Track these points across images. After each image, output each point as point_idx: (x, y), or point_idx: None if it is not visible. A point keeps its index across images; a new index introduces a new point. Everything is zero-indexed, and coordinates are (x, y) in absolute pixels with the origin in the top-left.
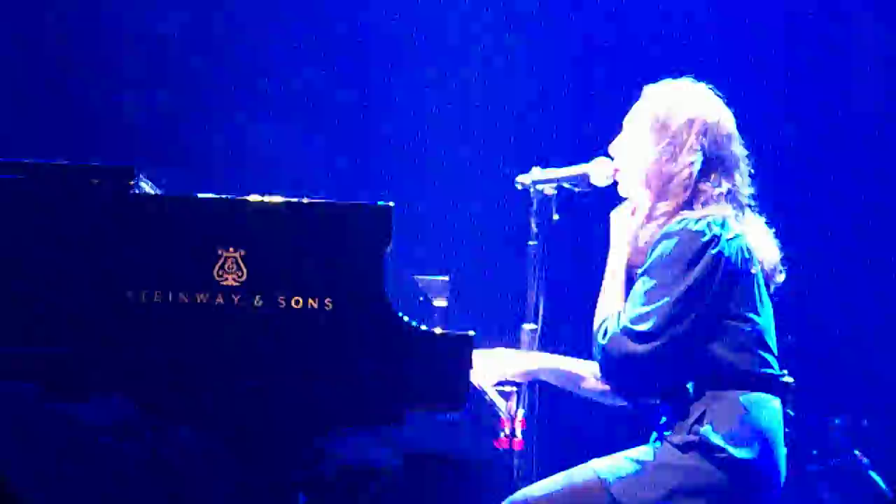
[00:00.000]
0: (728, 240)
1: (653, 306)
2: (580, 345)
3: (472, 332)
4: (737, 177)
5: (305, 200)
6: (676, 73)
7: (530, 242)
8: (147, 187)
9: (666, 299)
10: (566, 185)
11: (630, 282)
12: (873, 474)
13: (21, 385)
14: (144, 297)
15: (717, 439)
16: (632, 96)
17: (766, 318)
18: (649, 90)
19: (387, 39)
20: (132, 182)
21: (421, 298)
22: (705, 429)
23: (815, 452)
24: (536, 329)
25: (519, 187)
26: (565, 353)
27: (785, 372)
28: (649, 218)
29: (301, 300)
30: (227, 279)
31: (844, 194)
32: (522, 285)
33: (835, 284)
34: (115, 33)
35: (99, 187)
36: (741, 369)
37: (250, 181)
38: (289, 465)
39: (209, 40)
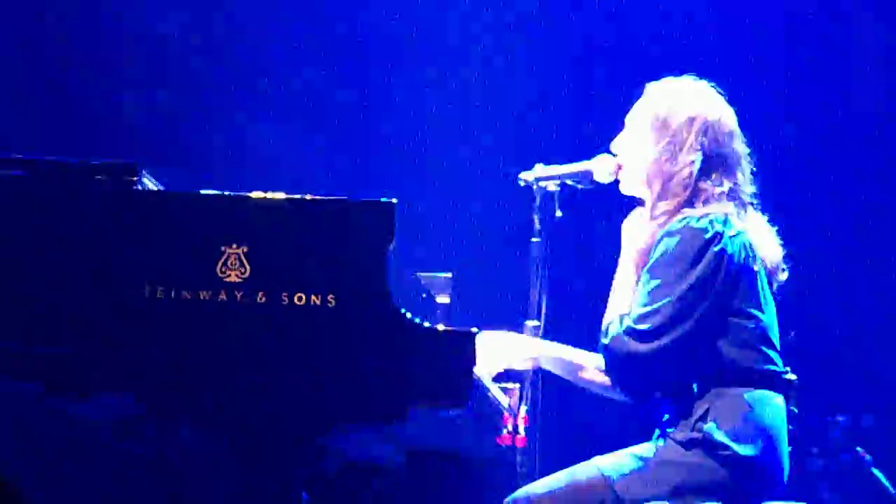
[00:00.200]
0: (731, 237)
1: (656, 305)
2: (583, 341)
3: (474, 329)
4: (738, 175)
5: (308, 197)
6: (677, 73)
7: (533, 239)
8: (150, 184)
9: (669, 298)
10: (569, 181)
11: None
12: (875, 472)
13: (22, 384)
14: (147, 294)
15: (720, 436)
16: (632, 96)
17: (769, 316)
18: (651, 88)
19: (387, 39)
20: (135, 179)
21: (424, 295)
22: (709, 426)
23: (816, 450)
24: (539, 326)
25: (522, 184)
26: None
27: (788, 369)
28: (650, 217)
29: (304, 297)
30: (230, 276)
31: (844, 194)
32: (525, 282)
33: (835, 284)
34: (115, 33)
35: (102, 184)
36: (745, 366)
37: (251, 181)
38: (292, 463)
39: (209, 40)
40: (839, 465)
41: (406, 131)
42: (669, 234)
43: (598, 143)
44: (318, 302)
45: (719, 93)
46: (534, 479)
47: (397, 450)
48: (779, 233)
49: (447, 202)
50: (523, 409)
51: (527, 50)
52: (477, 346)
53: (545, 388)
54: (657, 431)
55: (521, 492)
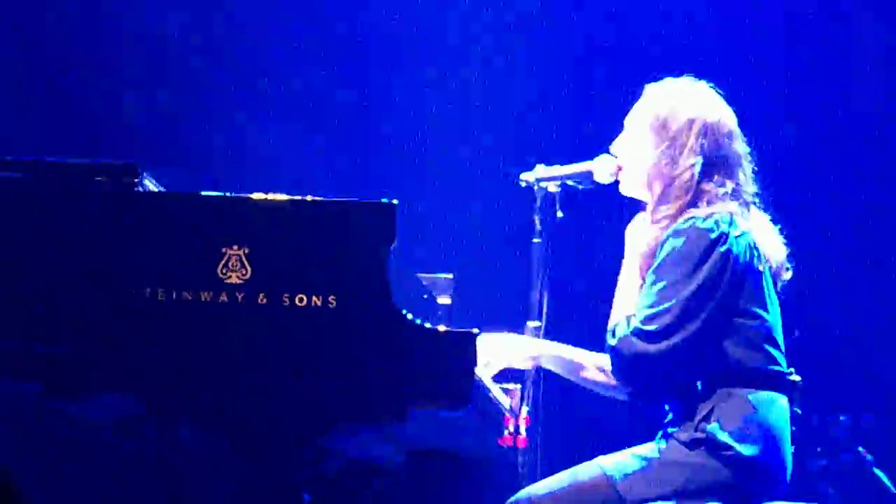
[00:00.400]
0: (736, 237)
1: (664, 306)
2: (584, 341)
3: (476, 330)
4: (739, 175)
5: (309, 198)
6: (676, 73)
7: (534, 240)
8: (151, 185)
9: (676, 298)
10: (570, 182)
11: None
12: (876, 472)
13: (22, 384)
14: (148, 295)
15: (724, 437)
16: (632, 96)
17: (774, 315)
18: (650, 89)
19: (387, 39)
20: (136, 179)
21: (425, 296)
22: (712, 426)
23: (818, 450)
24: (540, 326)
25: (523, 185)
26: None
27: (792, 370)
28: (652, 221)
29: (305, 298)
30: (230, 277)
31: (844, 194)
32: (526, 283)
33: (835, 284)
34: (115, 33)
35: (102, 185)
36: (750, 367)
37: (251, 181)
38: (292, 463)
39: (209, 40)
40: (840, 465)
41: (406, 131)
42: (675, 234)
43: (599, 143)
44: (319, 303)
45: (718, 93)
46: (535, 480)
47: (398, 450)
48: (779, 233)
49: (448, 203)
50: (525, 409)
51: (527, 50)
52: (478, 347)
53: (546, 388)
54: (660, 431)
55: (523, 493)
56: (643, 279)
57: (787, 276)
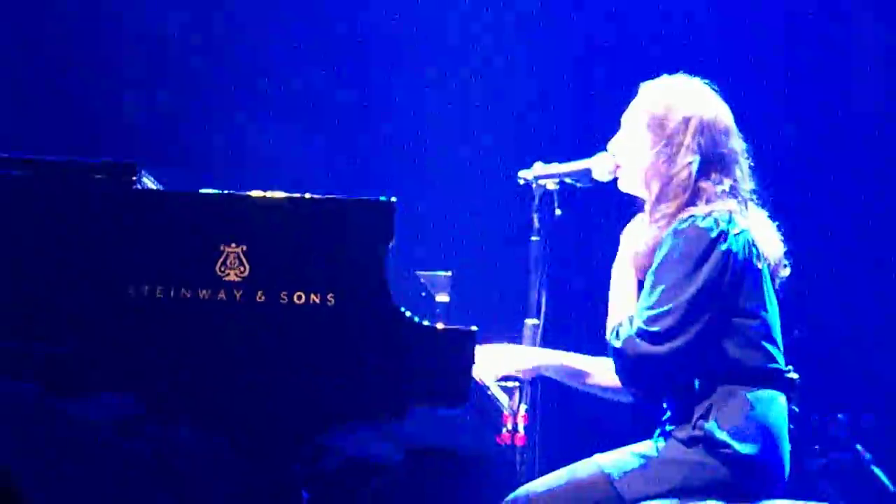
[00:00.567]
0: (735, 235)
1: (665, 307)
2: (582, 340)
3: (474, 328)
4: (737, 172)
5: (308, 196)
6: (676, 73)
7: (532, 238)
8: (149, 183)
9: (679, 298)
10: (568, 180)
11: (637, 285)
12: (875, 470)
13: (22, 384)
14: (146, 293)
15: (721, 435)
16: (632, 96)
17: (772, 313)
18: (645, 87)
19: (387, 39)
20: (134, 178)
21: (423, 294)
22: (710, 424)
23: (817, 448)
24: (539, 324)
25: (521, 182)
26: (568, 349)
27: (790, 368)
28: (650, 220)
29: (303, 296)
30: (229, 275)
31: (844, 194)
32: (525, 281)
33: (835, 284)
34: (115, 33)
35: (101, 183)
36: (749, 365)
37: (251, 181)
38: (291, 462)
39: (209, 40)
40: (839, 464)
41: (406, 131)
42: (675, 233)
43: (598, 142)
44: (317, 301)
45: (713, 90)
46: (533, 478)
47: (396, 448)
48: (777, 230)
49: (447, 201)
50: (523, 407)
51: (527, 50)
52: (476, 348)
53: (545, 386)
54: (658, 430)
55: (521, 490)
56: (643, 279)
57: (785, 273)
